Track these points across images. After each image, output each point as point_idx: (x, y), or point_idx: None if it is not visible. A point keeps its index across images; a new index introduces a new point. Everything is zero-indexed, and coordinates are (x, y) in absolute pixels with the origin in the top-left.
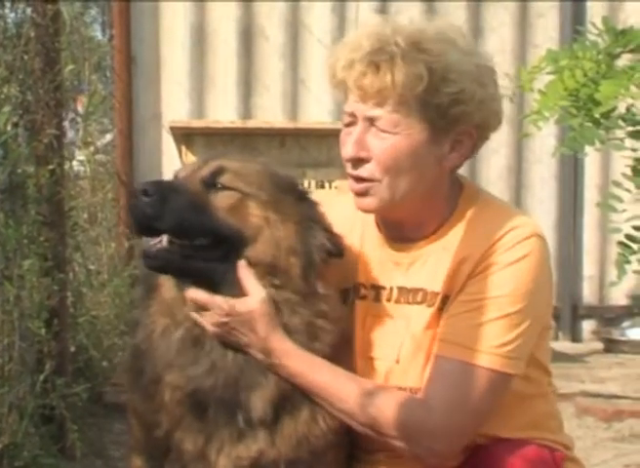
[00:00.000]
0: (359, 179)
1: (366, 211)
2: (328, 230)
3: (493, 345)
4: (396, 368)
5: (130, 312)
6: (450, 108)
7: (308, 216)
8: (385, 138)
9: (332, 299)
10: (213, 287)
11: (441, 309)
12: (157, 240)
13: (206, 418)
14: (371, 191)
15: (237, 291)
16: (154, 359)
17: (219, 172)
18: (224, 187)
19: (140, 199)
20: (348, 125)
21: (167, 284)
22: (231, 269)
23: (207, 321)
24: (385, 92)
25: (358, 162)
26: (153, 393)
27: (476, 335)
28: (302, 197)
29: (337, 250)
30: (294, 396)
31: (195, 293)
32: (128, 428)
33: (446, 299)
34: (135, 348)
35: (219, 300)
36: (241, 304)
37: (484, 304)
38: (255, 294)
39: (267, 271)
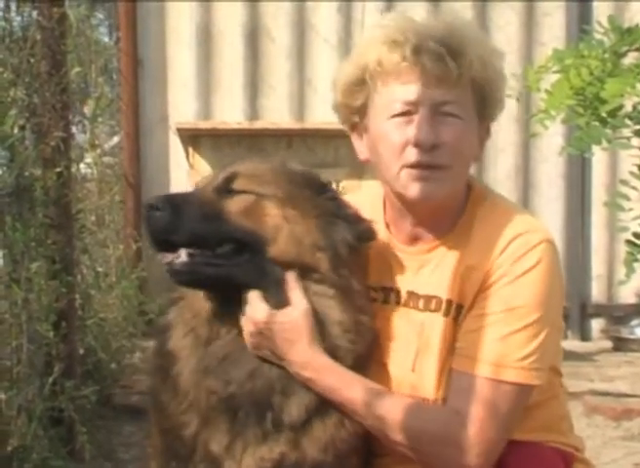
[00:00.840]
0: (427, 166)
1: (428, 199)
2: (352, 219)
3: (516, 358)
4: (411, 376)
5: (139, 315)
6: (493, 101)
7: (329, 210)
8: (454, 124)
9: (366, 295)
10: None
11: (455, 318)
12: (175, 255)
13: (235, 420)
14: (439, 178)
15: (272, 295)
16: (190, 365)
17: (232, 177)
18: (238, 191)
19: (151, 214)
20: (403, 114)
21: (197, 292)
22: (261, 272)
23: (244, 328)
24: (461, 75)
25: (431, 148)
26: (185, 396)
27: (498, 350)
28: (322, 190)
29: (366, 235)
30: (326, 400)
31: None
32: (148, 434)
33: (459, 308)
34: (163, 352)
35: (260, 306)
36: (283, 314)
37: (502, 317)
38: (298, 305)
39: (298, 269)
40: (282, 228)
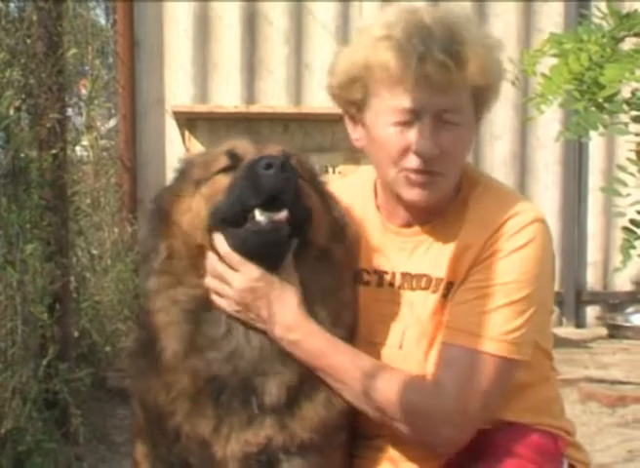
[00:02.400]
0: (426, 173)
1: (423, 203)
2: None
3: (500, 332)
4: (399, 353)
5: (134, 298)
6: (490, 105)
7: (328, 201)
8: (453, 131)
9: (353, 290)
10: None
11: (445, 295)
12: (282, 214)
13: (219, 404)
14: (434, 184)
15: (302, 281)
16: (173, 338)
17: (286, 155)
18: (295, 171)
19: (269, 172)
20: (401, 124)
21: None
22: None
23: (229, 290)
24: (463, 83)
25: (432, 157)
26: (168, 379)
27: (483, 323)
28: (314, 175)
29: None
30: (312, 379)
31: (229, 253)
32: (132, 414)
33: (450, 286)
34: (146, 332)
35: (249, 265)
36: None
37: (490, 292)
38: (288, 270)
39: (318, 257)
40: (320, 214)
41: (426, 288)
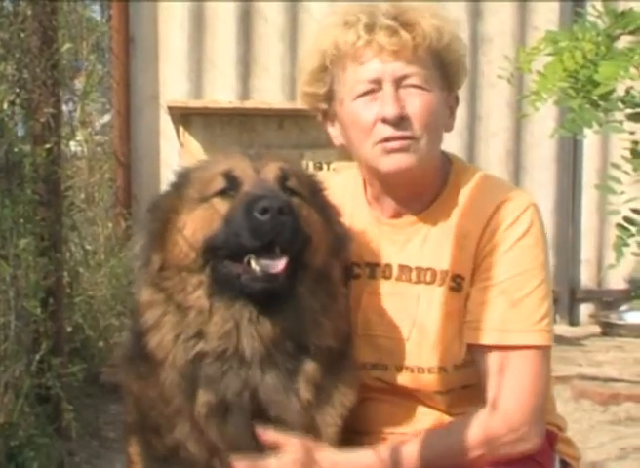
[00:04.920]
0: (399, 138)
1: (403, 170)
2: (336, 221)
3: (533, 322)
4: (405, 346)
5: (127, 294)
6: (454, 67)
7: (326, 214)
8: (420, 95)
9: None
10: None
11: (453, 289)
12: (281, 261)
13: (226, 422)
14: (411, 148)
15: (300, 302)
16: (171, 370)
17: (285, 176)
18: (293, 192)
19: (266, 217)
20: (367, 93)
21: (197, 292)
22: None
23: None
24: (418, 46)
25: (400, 121)
26: (172, 403)
27: (514, 317)
28: (316, 189)
29: (345, 238)
30: (325, 394)
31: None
32: (124, 411)
33: (456, 278)
34: (141, 343)
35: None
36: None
37: (511, 284)
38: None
39: (315, 278)
40: (320, 235)
41: (432, 282)
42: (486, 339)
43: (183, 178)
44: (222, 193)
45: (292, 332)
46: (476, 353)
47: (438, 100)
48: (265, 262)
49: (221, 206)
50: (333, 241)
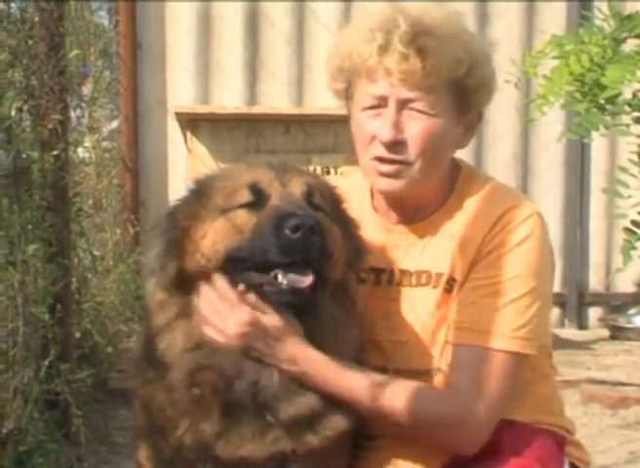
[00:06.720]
0: (391, 162)
1: (393, 193)
2: (355, 235)
3: (511, 328)
4: (402, 349)
5: (136, 299)
6: (476, 92)
7: (346, 228)
8: (421, 120)
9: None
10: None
11: (447, 290)
12: (309, 277)
13: (230, 413)
14: (402, 173)
15: (319, 313)
16: (179, 370)
17: (311, 192)
18: (318, 208)
19: (297, 235)
20: (373, 107)
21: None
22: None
23: (231, 328)
24: (428, 74)
25: (394, 144)
26: (176, 399)
27: (493, 320)
28: (340, 207)
29: (363, 251)
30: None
31: (226, 292)
32: (133, 416)
33: (451, 281)
34: (151, 346)
35: (244, 309)
36: (267, 316)
37: (497, 288)
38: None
39: (333, 289)
40: (340, 248)
41: (427, 284)
42: (460, 339)
43: (205, 187)
44: (248, 205)
45: (311, 343)
46: (453, 348)
47: (443, 126)
48: (294, 277)
49: (246, 218)
50: (351, 254)
